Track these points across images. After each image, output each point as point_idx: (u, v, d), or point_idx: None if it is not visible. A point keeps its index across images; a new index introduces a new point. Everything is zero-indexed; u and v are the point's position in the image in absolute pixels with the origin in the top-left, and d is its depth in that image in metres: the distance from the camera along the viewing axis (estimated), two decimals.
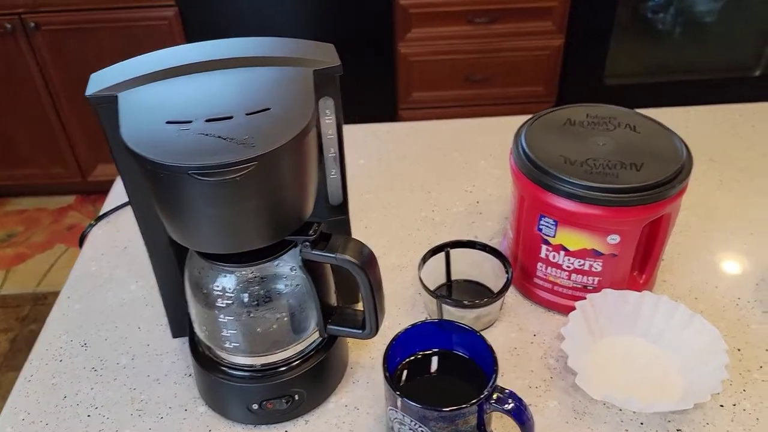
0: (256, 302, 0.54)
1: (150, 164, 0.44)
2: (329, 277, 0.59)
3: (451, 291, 0.73)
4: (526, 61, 1.94)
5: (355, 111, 1.01)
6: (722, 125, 1.01)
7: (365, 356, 0.66)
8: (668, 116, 0.92)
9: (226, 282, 0.54)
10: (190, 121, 0.46)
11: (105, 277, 0.77)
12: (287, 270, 0.55)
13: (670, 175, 0.62)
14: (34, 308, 1.84)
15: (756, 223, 0.82)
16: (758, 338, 0.67)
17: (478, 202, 0.87)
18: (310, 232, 0.53)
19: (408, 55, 1.90)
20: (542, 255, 0.68)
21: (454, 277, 0.73)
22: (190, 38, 1.88)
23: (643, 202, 0.61)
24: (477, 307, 0.65)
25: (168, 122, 0.47)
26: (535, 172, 0.64)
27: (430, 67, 1.93)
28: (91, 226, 0.85)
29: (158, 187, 0.48)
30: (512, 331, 0.69)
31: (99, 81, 0.51)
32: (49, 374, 0.66)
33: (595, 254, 0.65)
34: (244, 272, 0.54)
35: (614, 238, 0.64)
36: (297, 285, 0.56)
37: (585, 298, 0.66)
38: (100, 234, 0.84)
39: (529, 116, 0.72)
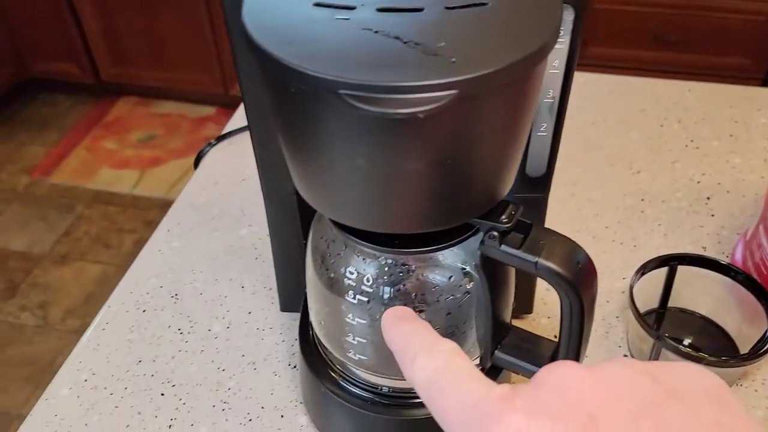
0: (402, 305, 0.36)
1: (276, 68, 0.26)
2: (511, 285, 0.40)
3: (660, 323, 0.51)
4: (736, 24, 1.57)
5: None
6: None
7: None
8: None
9: (365, 269, 0.36)
10: (352, 7, 0.28)
11: (214, 212, 0.63)
12: (456, 267, 0.36)
13: None
14: (160, 214, 1.81)
15: None
16: None
17: (708, 199, 0.62)
18: (503, 217, 0.33)
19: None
20: None
21: (670, 303, 0.51)
22: None
23: None
24: (724, 366, 0.43)
25: (317, 4, 0.28)
26: None
27: (617, 18, 1.62)
28: (211, 145, 0.71)
29: (284, 110, 0.30)
30: (763, 405, 0.46)
31: None
32: (127, 326, 0.52)
33: None
34: (392, 260, 0.36)
35: None
36: (465, 291, 0.37)
37: None
38: (219, 158, 0.70)
39: None
